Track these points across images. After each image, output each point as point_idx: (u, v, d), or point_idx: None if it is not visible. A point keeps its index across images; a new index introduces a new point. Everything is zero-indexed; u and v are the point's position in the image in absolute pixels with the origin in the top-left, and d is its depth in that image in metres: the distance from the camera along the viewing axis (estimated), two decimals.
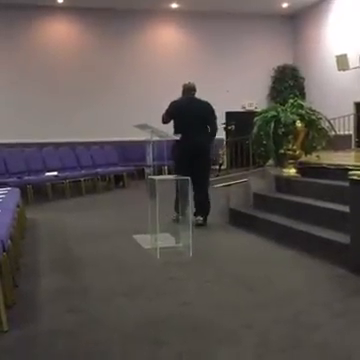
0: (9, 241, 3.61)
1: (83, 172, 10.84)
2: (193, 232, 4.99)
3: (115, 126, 13.63)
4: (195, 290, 3.81)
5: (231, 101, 14.83)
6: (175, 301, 3.52)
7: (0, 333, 2.97)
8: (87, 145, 12.53)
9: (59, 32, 14.35)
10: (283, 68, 15.53)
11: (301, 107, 6.42)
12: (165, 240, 5.26)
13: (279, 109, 6.46)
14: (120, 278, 4.17)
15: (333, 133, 6.77)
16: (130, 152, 13.31)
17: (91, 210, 8.26)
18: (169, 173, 9.11)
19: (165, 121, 6.40)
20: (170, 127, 6.41)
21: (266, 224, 5.67)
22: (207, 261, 4.69)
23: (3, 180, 8.69)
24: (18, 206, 5.68)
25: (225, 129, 13.40)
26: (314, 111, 6.48)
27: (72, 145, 12.25)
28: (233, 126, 13.11)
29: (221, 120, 14.01)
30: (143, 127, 5.48)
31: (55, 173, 10.02)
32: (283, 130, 6.29)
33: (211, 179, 11.43)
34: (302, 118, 6.29)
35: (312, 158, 6.54)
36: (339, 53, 13.06)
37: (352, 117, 12.84)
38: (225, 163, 12.98)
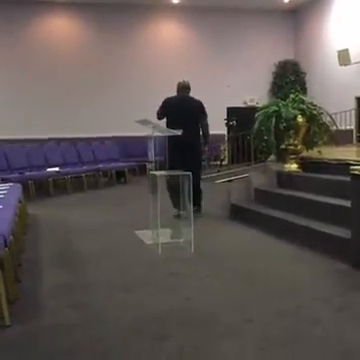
0: (11, 237, 3.63)
1: (85, 168, 10.84)
2: (194, 227, 5.00)
3: (116, 122, 13.63)
4: (196, 285, 3.82)
5: (232, 96, 14.83)
6: (177, 296, 3.54)
7: (2, 328, 2.99)
8: (88, 141, 12.54)
9: (59, 27, 14.32)
10: (284, 63, 15.50)
11: (302, 102, 6.40)
12: (166, 235, 5.28)
13: (280, 104, 6.44)
14: (122, 273, 4.18)
15: (334, 128, 6.75)
16: (131, 148, 13.30)
17: (93, 206, 8.27)
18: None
19: (159, 117, 6.63)
20: None
21: (267, 219, 5.68)
22: (208, 256, 4.70)
23: (5, 176, 8.71)
24: (20, 202, 5.69)
25: (226, 125, 13.40)
26: (315, 106, 6.46)
27: (73, 141, 12.26)
28: (234, 121, 13.12)
29: (222, 115, 14.09)
30: (144, 123, 5.48)
31: (57, 169, 10.04)
32: (284, 125, 6.28)
33: (213, 175, 11.55)
34: (303, 113, 6.28)
35: (313, 153, 6.53)
36: (340, 48, 13.03)
37: (353, 112, 12.82)
38: (226, 158, 12.99)
